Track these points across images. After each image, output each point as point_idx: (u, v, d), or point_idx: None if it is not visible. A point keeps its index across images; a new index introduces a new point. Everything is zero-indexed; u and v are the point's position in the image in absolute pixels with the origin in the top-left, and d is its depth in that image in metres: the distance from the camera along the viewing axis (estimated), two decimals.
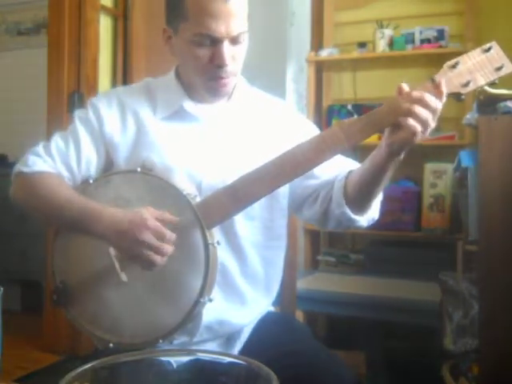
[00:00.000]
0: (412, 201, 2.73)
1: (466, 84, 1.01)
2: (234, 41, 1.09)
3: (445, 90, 0.98)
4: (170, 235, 1.02)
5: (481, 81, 1.01)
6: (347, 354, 2.14)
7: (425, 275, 2.38)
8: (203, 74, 1.13)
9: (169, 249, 1.02)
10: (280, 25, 2.89)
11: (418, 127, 0.96)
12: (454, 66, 1.00)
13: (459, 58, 1.01)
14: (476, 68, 1.01)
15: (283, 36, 2.89)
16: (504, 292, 1.38)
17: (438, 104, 0.97)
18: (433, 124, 0.98)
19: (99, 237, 1.06)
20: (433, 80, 0.99)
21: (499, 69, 1.00)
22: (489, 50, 1.01)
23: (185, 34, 1.10)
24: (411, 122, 0.95)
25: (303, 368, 1.07)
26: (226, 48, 1.08)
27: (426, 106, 0.96)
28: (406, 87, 0.99)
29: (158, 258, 1.01)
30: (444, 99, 0.99)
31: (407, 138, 0.97)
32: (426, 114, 0.96)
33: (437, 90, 0.98)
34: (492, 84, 1.03)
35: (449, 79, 1.00)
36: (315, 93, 3.05)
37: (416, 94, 0.96)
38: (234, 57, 1.11)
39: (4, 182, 1.36)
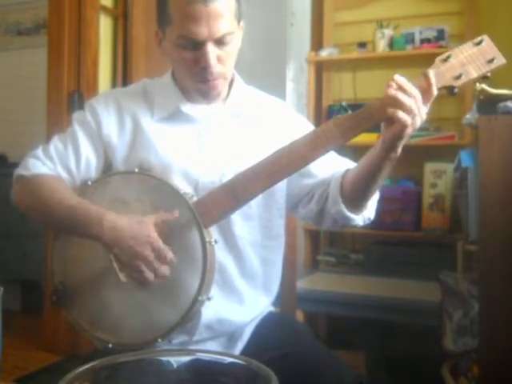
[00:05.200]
0: (412, 201, 2.73)
1: (458, 77, 1.01)
2: (219, 42, 1.09)
3: (433, 80, 0.99)
4: (171, 258, 1.02)
5: (473, 73, 1.01)
6: (347, 354, 2.14)
7: (425, 275, 2.39)
8: (192, 77, 1.13)
9: (166, 271, 1.02)
10: (280, 25, 2.89)
11: (403, 115, 0.96)
12: (445, 60, 1.01)
13: (451, 52, 1.02)
14: (468, 61, 1.01)
15: (283, 36, 2.89)
16: (504, 292, 1.38)
17: (415, 91, 0.97)
18: (417, 111, 0.97)
19: (98, 240, 1.05)
20: (425, 74, 1.00)
21: (491, 61, 1.01)
22: (480, 43, 1.01)
23: (171, 37, 1.11)
24: (397, 111, 0.96)
25: (305, 369, 1.07)
26: (210, 50, 1.08)
27: (405, 91, 0.97)
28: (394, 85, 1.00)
29: (151, 277, 1.01)
30: (435, 91, 0.99)
31: (397, 129, 0.97)
32: (408, 100, 0.96)
33: (427, 82, 0.99)
34: (484, 77, 1.03)
35: (441, 73, 1.01)
36: (315, 93, 3.06)
37: (397, 81, 0.98)
38: (220, 58, 1.10)
39: (4, 182, 1.36)
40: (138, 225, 1.03)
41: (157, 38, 1.17)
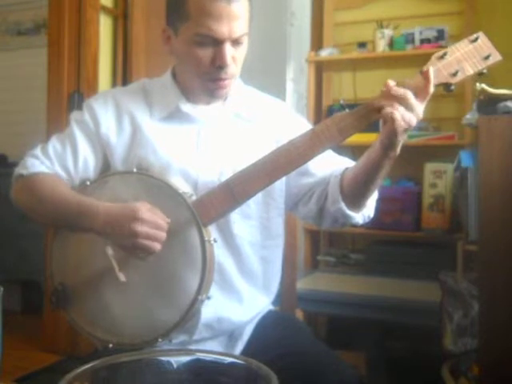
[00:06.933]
0: (412, 201, 2.73)
1: (455, 74, 1.01)
2: (236, 42, 1.10)
3: (432, 76, 0.99)
4: (163, 223, 1.03)
5: (469, 70, 1.02)
6: (347, 354, 2.14)
7: (425, 275, 2.39)
8: (203, 75, 1.13)
9: (163, 236, 1.03)
10: (280, 25, 2.89)
11: (393, 111, 0.96)
12: (442, 57, 1.02)
13: (447, 49, 1.02)
14: (464, 58, 1.02)
15: (283, 36, 2.89)
16: (504, 292, 1.38)
17: (401, 92, 0.98)
18: (407, 107, 0.98)
19: (96, 232, 1.06)
20: (422, 72, 1.00)
21: (487, 58, 1.01)
22: (476, 40, 1.02)
23: (186, 34, 1.10)
24: (388, 108, 0.97)
25: (305, 367, 1.07)
26: (228, 49, 1.09)
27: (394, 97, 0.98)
28: (391, 83, 1.00)
29: (155, 245, 1.02)
30: (432, 88, 1.00)
31: (390, 126, 0.97)
32: (402, 96, 0.97)
33: (425, 79, 0.99)
34: (481, 74, 1.03)
35: (437, 70, 1.01)
36: (315, 93, 3.05)
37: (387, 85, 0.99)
38: (234, 58, 1.11)
39: (4, 182, 1.36)
40: (128, 206, 1.04)
41: (164, 35, 1.16)
